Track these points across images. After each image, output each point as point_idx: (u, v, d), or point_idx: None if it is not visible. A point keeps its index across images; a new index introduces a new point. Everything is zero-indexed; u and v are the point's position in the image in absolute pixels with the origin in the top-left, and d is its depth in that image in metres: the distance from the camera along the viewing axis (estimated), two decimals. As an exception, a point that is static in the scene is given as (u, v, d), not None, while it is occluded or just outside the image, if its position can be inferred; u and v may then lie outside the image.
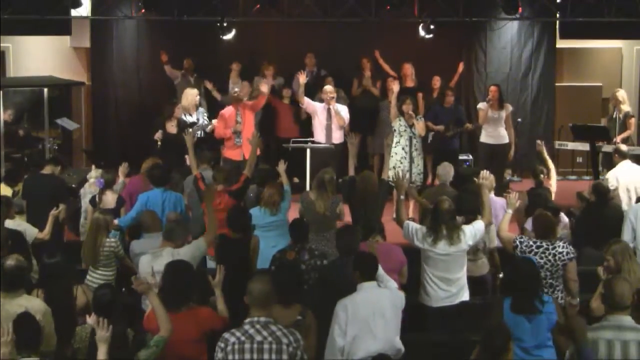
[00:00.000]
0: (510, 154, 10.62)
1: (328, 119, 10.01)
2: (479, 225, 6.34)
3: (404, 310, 5.32)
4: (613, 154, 8.87)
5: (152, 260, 5.78)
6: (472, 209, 6.71)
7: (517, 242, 6.22)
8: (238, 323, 5.19)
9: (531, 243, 6.17)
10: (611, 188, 8.26)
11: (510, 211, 6.68)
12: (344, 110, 10.10)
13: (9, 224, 6.97)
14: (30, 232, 7.14)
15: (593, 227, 7.40)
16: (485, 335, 4.52)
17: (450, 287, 6.21)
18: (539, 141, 8.73)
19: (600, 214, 7.56)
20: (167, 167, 8.26)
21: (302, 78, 10.04)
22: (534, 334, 5.05)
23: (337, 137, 10.03)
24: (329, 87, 10.12)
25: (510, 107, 10.67)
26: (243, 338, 4.37)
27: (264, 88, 10.16)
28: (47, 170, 8.22)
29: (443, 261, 6.17)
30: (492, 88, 10.63)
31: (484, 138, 10.57)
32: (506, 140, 10.51)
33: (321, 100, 10.12)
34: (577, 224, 7.70)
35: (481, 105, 10.62)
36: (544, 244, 6.14)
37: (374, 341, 5.07)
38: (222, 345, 4.40)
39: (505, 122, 10.51)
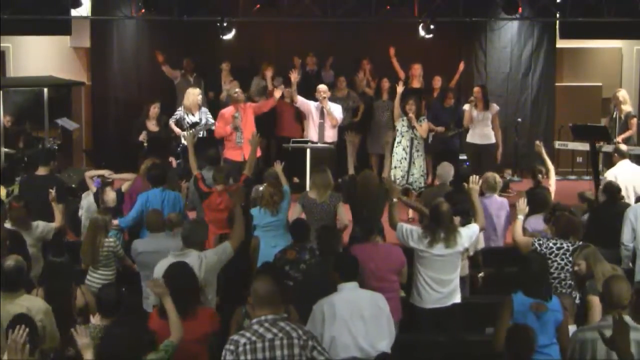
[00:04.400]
0: (498, 154, 10.64)
1: (321, 117, 10.05)
2: (474, 228, 6.36)
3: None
4: (613, 154, 8.89)
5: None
6: (466, 209, 6.73)
7: (537, 245, 6.20)
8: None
9: (551, 244, 6.17)
10: None
11: (521, 217, 6.66)
12: (337, 110, 10.12)
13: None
14: (48, 228, 7.15)
15: (603, 226, 7.38)
16: (509, 338, 4.52)
17: (443, 289, 6.18)
18: (538, 141, 8.74)
19: (610, 213, 7.54)
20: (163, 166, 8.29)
21: (294, 77, 10.07)
22: (543, 332, 5.05)
23: (330, 135, 10.07)
24: (322, 87, 10.15)
25: (496, 108, 10.70)
26: (254, 338, 4.33)
27: (278, 93, 10.15)
28: (41, 171, 8.19)
29: (438, 262, 6.15)
30: (476, 89, 10.69)
31: (470, 138, 10.68)
32: (492, 141, 10.57)
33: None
34: (587, 223, 7.71)
35: (465, 107, 10.67)
36: (564, 245, 6.14)
37: (353, 343, 5.01)
38: (232, 347, 4.33)
39: (492, 123, 10.57)
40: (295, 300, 5.37)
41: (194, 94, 10.36)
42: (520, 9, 10.30)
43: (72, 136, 11.94)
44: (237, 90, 10.20)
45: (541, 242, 6.22)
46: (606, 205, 7.71)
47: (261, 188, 7.70)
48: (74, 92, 12.29)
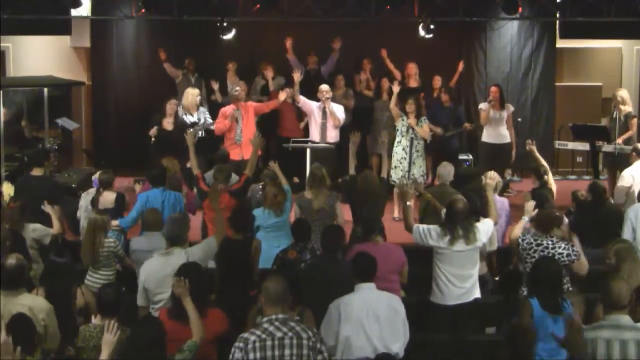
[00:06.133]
0: (513, 153, 10.68)
1: (323, 118, 10.05)
2: (489, 223, 6.41)
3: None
4: (630, 153, 8.88)
5: (165, 261, 5.69)
6: (474, 209, 6.73)
7: (520, 240, 6.28)
8: (240, 322, 5.24)
9: (532, 240, 6.20)
10: (627, 186, 8.32)
11: (525, 218, 6.66)
12: (339, 110, 10.12)
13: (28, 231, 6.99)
14: (45, 232, 7.12)
15: (591, 226, 7.39)
16: (510, 338, 4.52)
17: (465, 284, 6.21)
18: (528, 140, 8.71)
19: (597, 214, 7.57)
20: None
21: (297, 76, 10.07)
22: (559, 332, 5.05)
23: (332, 136, 10.07)
24: (324, 87, 10.15)
25: (511, 108, 10.79)
26: (264, 336, 4.40)
27: (283, 97, 10.16)
28: (35, 172, 8.17)
29: (458, 258, 6.17)
30: (493, 88, 10.72)
31: (485, 138, 10.70)
32: (507, 140, 10.64)
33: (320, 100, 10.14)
34: (574, 223, 7.71)
35: (482, 106, 10.70)
36: (544, 242, 6.15)
37: (367, 343, 5.03)
38: (242, 345, 4.41)
39: (507, 122, 10.64)
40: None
41: (192, 94, 10.37)
42: (520, 9, 10.28)
43: (72, 136, 11.95)
44: (237, 88, 10.20)
45: (525, 237, 6.28)
46: (593, 205, 7.72)
47: (258, 189, 7.70)
48: (74, 92, 12.30)
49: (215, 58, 11.87)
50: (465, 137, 11.65)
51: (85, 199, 8.11)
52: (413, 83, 11.34)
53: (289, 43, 11.24)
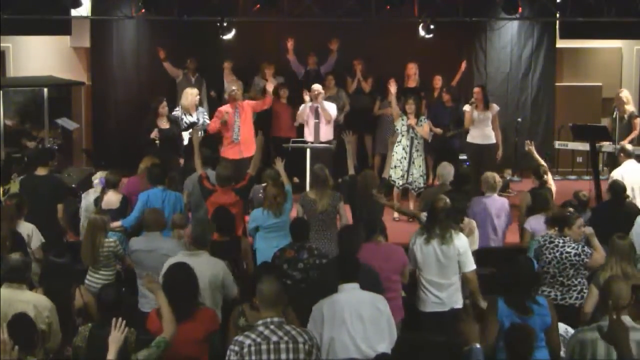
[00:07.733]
0: (498, 154, 10.63)
1: (316, 117, 10.11)
2: (465, 240, 6.34)
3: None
4: (618, 153, 8.89)
5: (188, 262, 5.56)
6: (461, 208, 6.74)
7: (540, 238, 6.43)
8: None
9: (547, 237, 6.33)
10: None
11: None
12: (332, 108, 10.17)
13: (22, 228, 6.97)
14: (38, 238, 7.08)
15: (609, 225, 7.36)
16: (509, 337, 4.52)
17: (441, 293, 6.22)
18: (527, 141, 8.70)
19: (616, 212, 7.55)
20: (167, 164, 8.31)
21: (307, 97, 10.15)
22: None
23: (325, 134, 10.16)
24: (316, 85, 10.20)
25: (496, 108, 10.68)
26: (259, 339, 4.37)
27: (270, 87, 10.19)
28: (40, 171, 8.16)
29: (436, 265, 6.19)
30: (476, 89, 10.68)
31: (470, 138, 10.65)
32: (493, 141, 10.55)
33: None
34: (592, 221, 7.71)
35: (466, 107, 10.66)
36: (555, 240, 6.25)
37: (352, 344, 5.00)
38: (237, 348, 4.37)
39: (492, 123, 10.55)
40: (294, 300, 5.38)
41: (192, 94, 10.36)
42: (520, 9, 10.28)
43: (72, 136, 11.94)
44: (233, 88, 10.21)
45: (544, 235, 6.41)
46: (612, 204, 7.72)
47: (260, 189, 7.71)
48: (74, 92, 12.30)
49: (215, 58, 11.85)
50: (466, 137, 11.63)
51: (85, 199, 8.10)
52: (412, 83, 11.34)
53: (290, 44, 11.25)
